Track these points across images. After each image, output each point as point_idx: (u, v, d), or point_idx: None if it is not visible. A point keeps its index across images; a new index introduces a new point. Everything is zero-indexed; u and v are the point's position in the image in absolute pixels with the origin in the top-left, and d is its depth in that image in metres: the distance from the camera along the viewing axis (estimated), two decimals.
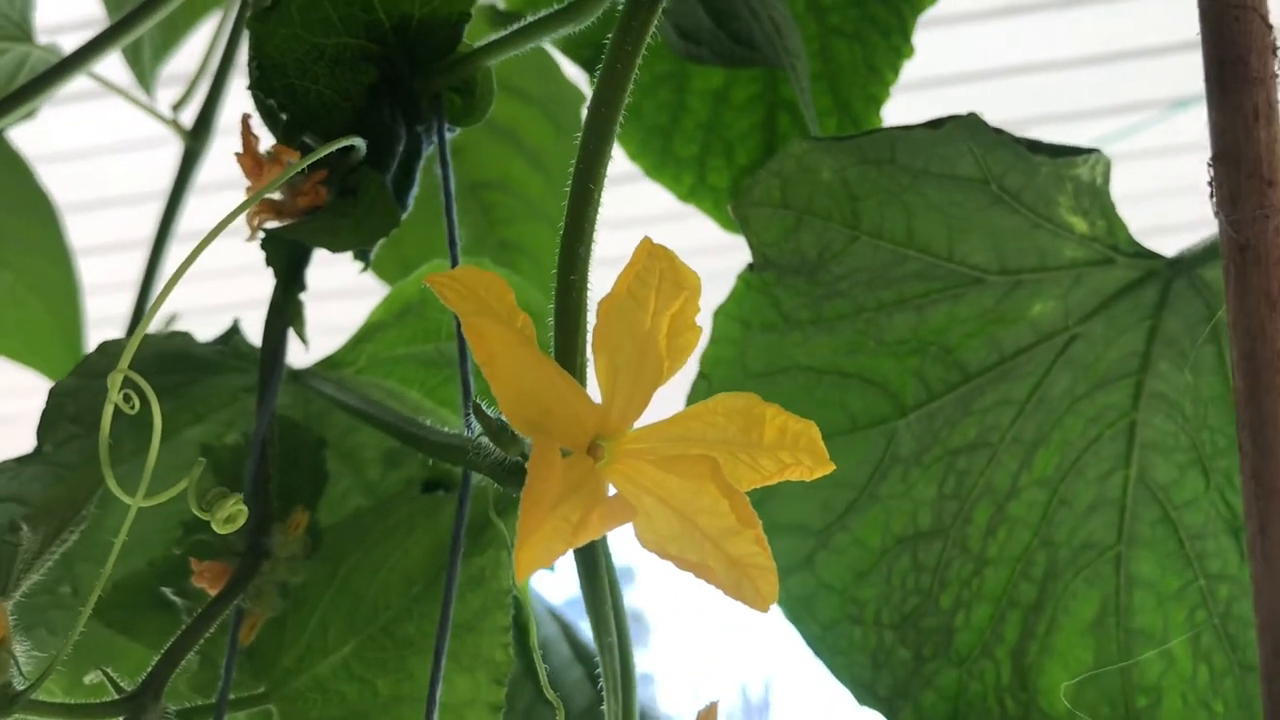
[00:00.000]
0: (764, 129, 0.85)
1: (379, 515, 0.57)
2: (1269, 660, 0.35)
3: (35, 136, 0.97)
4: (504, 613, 0.51)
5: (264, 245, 0.53)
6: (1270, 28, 0.37)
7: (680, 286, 0.41)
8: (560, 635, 0.75)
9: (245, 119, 0.52)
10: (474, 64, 0.54)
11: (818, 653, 0.70)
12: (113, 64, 0.88)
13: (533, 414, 0.38)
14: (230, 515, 0.39)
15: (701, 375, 0.69)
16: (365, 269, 0.58)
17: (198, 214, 0.88)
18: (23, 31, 0.89)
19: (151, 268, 0.88)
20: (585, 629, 0.79)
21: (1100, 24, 1.91)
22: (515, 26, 0.52)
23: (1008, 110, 2.13)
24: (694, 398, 0.71)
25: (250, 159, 0.50)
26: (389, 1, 0.52)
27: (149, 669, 0.48)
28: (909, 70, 0.81)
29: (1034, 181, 0.65)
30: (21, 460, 0.57)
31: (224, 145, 0.93)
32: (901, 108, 0.79)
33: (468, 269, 0.38)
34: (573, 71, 0.94)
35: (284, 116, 0.51)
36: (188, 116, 0.89)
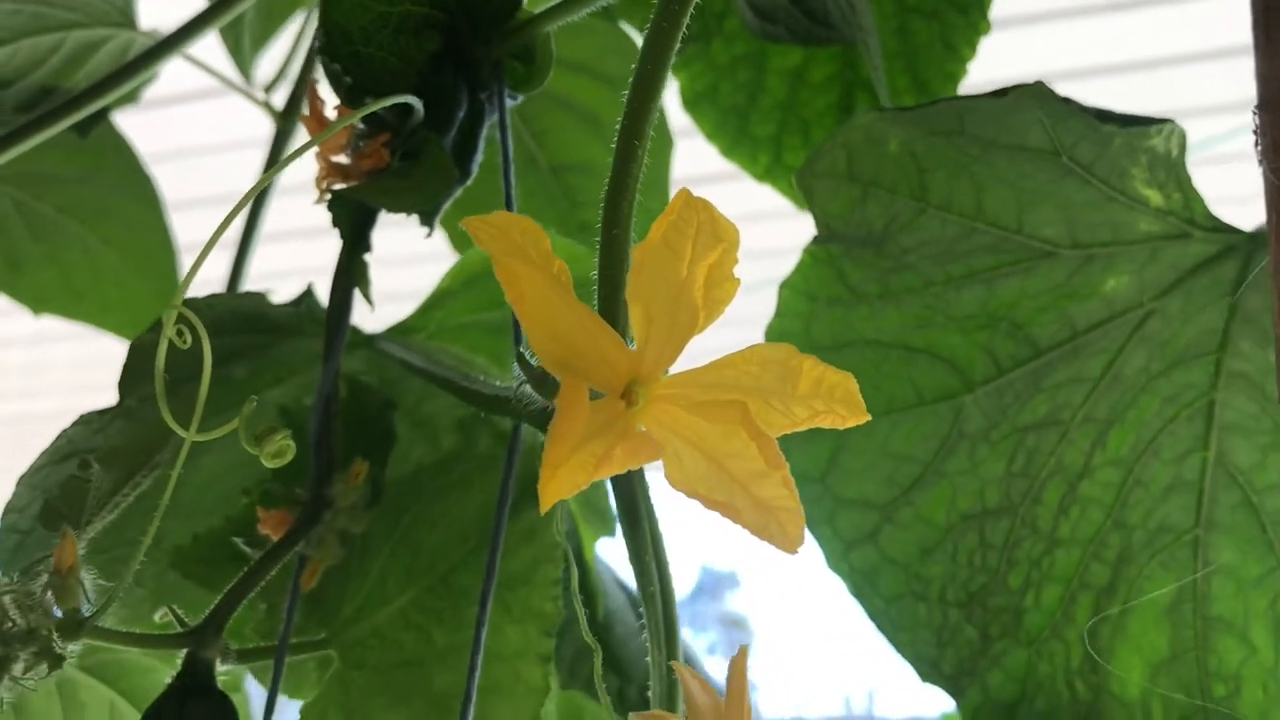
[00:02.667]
0: (840, 108, 0.85)
1: (439, 471, 0.58)
2: None
3: (139, 136, 1.02)
4: (554, 565, 0.52)
5: (330, 206, 0.55)
6: None
7: (718, 238, 0.42)
8: (628, 605, 0.76)
9: (312, 84, 0.54)
10: (533, 30, 0.55)
11: (880, 627, 0.70)
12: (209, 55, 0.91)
13: (563, 355, 0.39)
14: (278, 450, 0.41)
15: None
16: (430, 234, 0.59)
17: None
18: (126, 18, 0.93)
19: (246, 238, 0.91)
20: None
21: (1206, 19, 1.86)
22: None
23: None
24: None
25: (315, 121, 0.52)
26: None
27: (211, 606, 0.50)
28: (1003, 70, 0.80)
29: (1106, 153, 0.64)
30: (104, 413, 0.59)
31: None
32: None
33: (503, 214, 0.39)
34: None
35: (348, 80, 0.53)
36: (276, 99, 0.92)
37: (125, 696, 0.98)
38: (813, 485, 0.70)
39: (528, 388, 0.45)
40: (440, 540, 0.55)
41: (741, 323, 0.74)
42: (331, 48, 0.53)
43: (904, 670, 0.72)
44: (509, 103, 0.57)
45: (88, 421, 0.59)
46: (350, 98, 0.53)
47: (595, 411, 0.38)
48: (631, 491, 0.46)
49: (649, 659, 0.72)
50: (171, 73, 0.99)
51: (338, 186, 0.56)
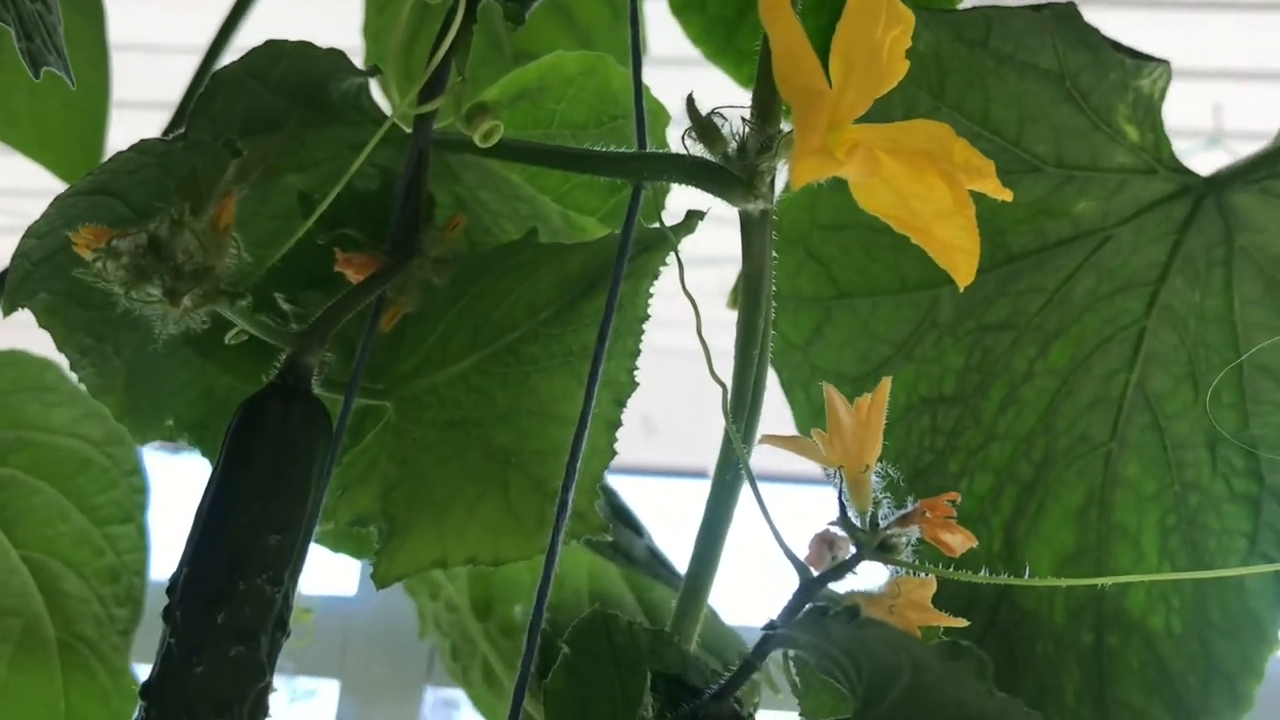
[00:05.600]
0: (825, 32, 0.90)
1: (503, 255, 0.60)
2: None
3: None
4: (634, 339, 0.54)
5: None
6: None
7: (899, 19, 0.46)
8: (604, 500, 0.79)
9: None
10: None
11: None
12: None
13: (793, 77, 0.42)
14: (488, 131, 0.42)
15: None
16: (516, 28, 0.61)
17: None
18: None
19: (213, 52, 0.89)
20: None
21: None
22: None
23: None
24: None
25: None
26: None
27: (316, 316, 0.50)
28: None
29: (1101, 85, 0.72)
30: (167, 143, 0.58)
31: None
32: None
33: None
34: None
35: None
36: None
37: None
38: (794, 353, 0.74)
39: (689, 140, 0.48)
40: (507, 313, 0.57)
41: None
42: None
43: None
44: None
45: (146, 149, 0.58)
46: None
47: None
48: (761, 262, 0.49)
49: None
50: None
51: None
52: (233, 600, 0.43)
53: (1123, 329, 0.77)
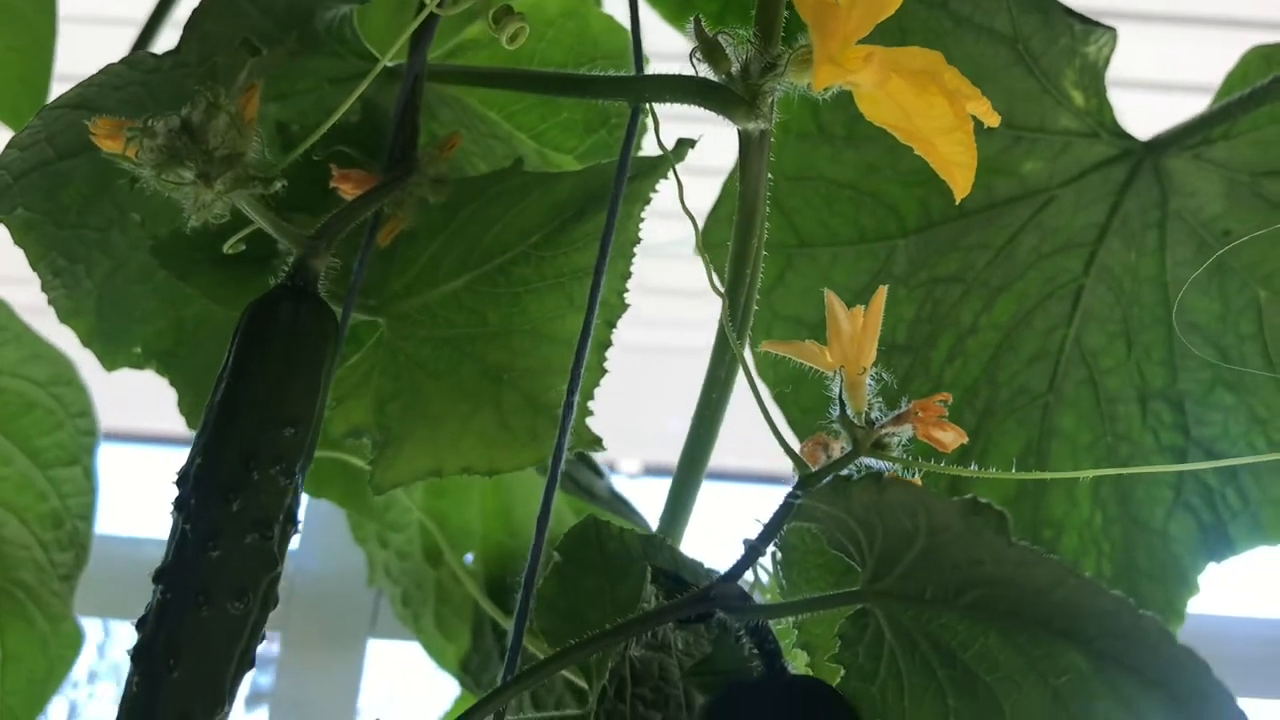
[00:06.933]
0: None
1: (491, 180, 0.61)
2: None
3: None
4: (626, 262, 0.56)
5: None
6: None
7: None
8: None
9: None
10: None
11: (798, 432, 0.77)
12: None
13: None
14: (515, 33, 0.43)
15: None
16: None
17: None
18: None
19: None
20: None
21: None
22: None
23: None
24: (728, 185, 0.77)
25: None
26: None
27: (322, 221, 0.50)
28: None
29: (1051, 50, 0.75)
30: (157, 58, 0.58)
31: None
32: None
33: None
34: None
35: None
36: None
37: None
38: (756, 299, 0.77)
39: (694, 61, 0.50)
40: (497, 237, 0.58)
41: None
42: None
43: None
44: None
45: (134, 65, 0.58)
46: None
47: None
48: (758, 183, 0.51)
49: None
50: None
51: None
52: (247, 489, 0.44)
53: (1062, 287, 0.81)
